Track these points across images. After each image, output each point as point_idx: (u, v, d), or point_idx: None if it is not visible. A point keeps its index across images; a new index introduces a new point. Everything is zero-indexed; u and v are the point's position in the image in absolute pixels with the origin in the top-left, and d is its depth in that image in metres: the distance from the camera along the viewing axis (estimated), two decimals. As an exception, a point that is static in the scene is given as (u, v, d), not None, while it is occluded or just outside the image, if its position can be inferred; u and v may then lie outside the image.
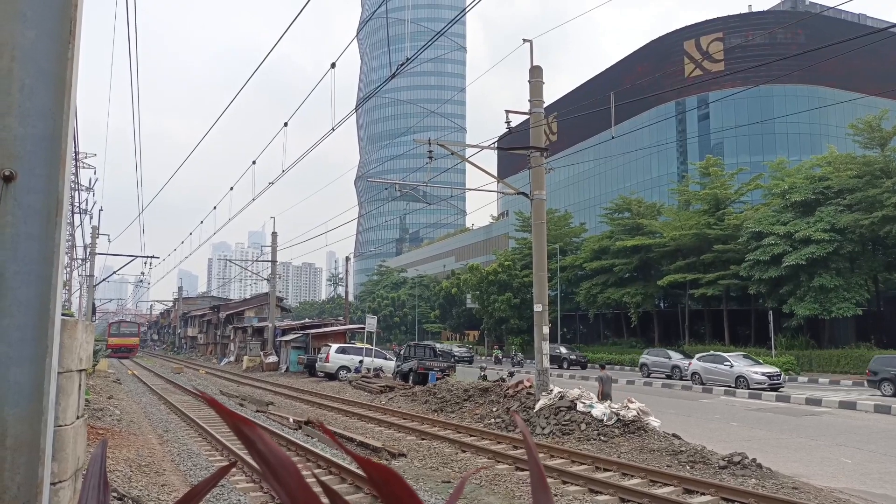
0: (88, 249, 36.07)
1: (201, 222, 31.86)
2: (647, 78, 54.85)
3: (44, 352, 1.45)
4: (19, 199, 1.48)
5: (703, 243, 41.34)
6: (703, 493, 8.72)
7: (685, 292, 43.70)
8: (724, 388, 25.77)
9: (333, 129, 14.10)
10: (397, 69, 11.24)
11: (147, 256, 34.61)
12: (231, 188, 24.90)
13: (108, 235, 41.83)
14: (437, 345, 47.76)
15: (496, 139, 22.15)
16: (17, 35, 1.52)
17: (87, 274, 36.89)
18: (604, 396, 14.91)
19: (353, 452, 0.63)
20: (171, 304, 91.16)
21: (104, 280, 42.85)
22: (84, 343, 3.39)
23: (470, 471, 10.39)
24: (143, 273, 43.76)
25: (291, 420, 15.72)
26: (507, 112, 15.90)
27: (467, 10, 10.23)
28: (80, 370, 3.29)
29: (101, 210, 37.89)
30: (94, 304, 41.40)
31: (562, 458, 11.11)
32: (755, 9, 62.80)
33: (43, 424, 1.42)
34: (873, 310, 37.64)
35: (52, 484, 2.35)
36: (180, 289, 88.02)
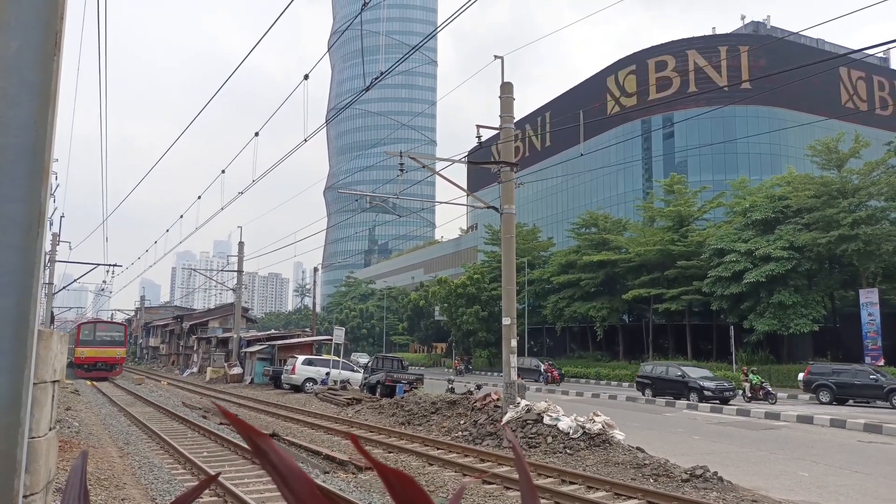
0: (48, 256, 35.12)
1: (167, 231, 31.30)
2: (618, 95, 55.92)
3: (22, 362, 1.44)
4: (0, 208, 1.47)
5: (667, 259, 42.12)
6: (666, 506, 8.85)
7: (649, 307, 44.41)
8: (686, 403, 26.18)
9: (306, 141, 14.06)
10: (372, 82, 11.29)
11: (109, 265, 33.81)
12: (199, 197, 24.55)
13: (70, 243, 40.30)
14: (706, 374, 27.97)
15: (467, 153, 22.33)
16: (1, 45, 1.52)
17: (47, 282, 35.88)
18: None
19: (372, 458, 0.67)
20: (132, 313, 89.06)
21: (64, 288, 41.71)
22: (58, 354, 3.32)
23: (466, 480, 10.45)
24: (104, 281, 42.66)
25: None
26: (478, 127, 16.06)
27: (440, 28, 10.35)
28: (54, 381, 3.22)
29: (62, 217, 36.90)
30: (52, 313, 40.24)
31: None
32: (719, 31, 64.62)
33: (20, 436, 1.42)
34: (829, 326, 38.73)
35: (25, 496, 2.31)
36: (143, 298, 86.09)
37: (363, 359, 57.18)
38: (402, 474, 0.65)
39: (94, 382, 34.36)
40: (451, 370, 51.15)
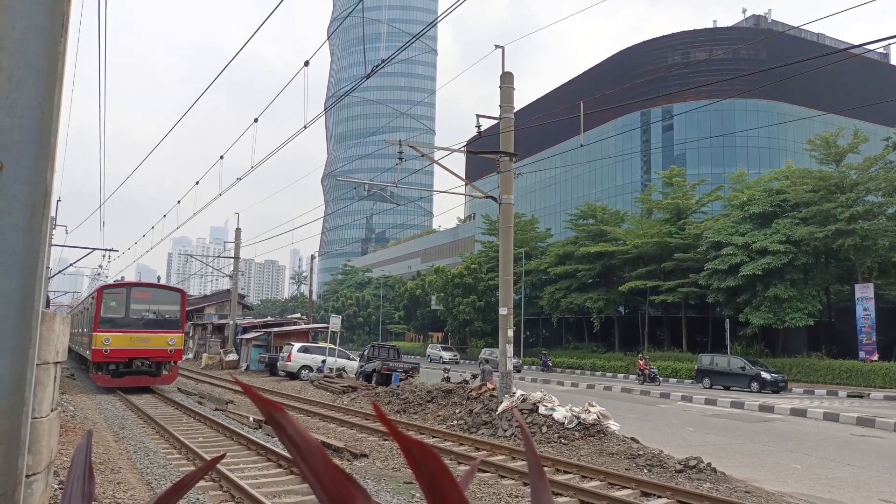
0: (48, 239, 35.01)
1: (164, 216, 31.23)
2: (616, 88, 55.68)
3: (26, 343, 1.45)
4: (5, 189, 1.48)
5: (664, 251, 42.19)
6: (659, 496, 8.92)
7: (645, 299, 44.53)
8: (681, 394, 26.30)
9: (305, 128, 14.01)
10: (372, 70, 11.24)
11: (106, 249, 33.72)
12: (197, 182, 24.50)
13: (66, 227, 39.39)
14: None
15: (465, 142, 22.28)
16: (6, 26, 1.52)
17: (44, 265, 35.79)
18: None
19: (397, 430, 0.68)
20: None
21: (59, 272, 41.67)
22: (61, 336, 3.33)
23: (478, 458, 10.49)
24: (100, 266, 42.46)
25: (252, 419, 15.55)
26: (478, 116, 16.02)
27: (442, 17, 10.30)
28: (56, 362, 3.24)
29: (58, 200, 36.78)
30: (48, 297, 40.21)
31: (523, 460, 11.23)
32: (720, 24, 64.40)
33: (24, 416, 1.42)
34: (824, 321, 38.90)
35: (27, 476, 2.32)
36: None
37: (447, 352, 54.23)
38: (423, 445, 0.67)
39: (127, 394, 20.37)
40: (638, 376, 34.72)
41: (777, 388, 28.93)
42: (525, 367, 47.74)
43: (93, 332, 20.86)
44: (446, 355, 52.16)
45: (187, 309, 48.75)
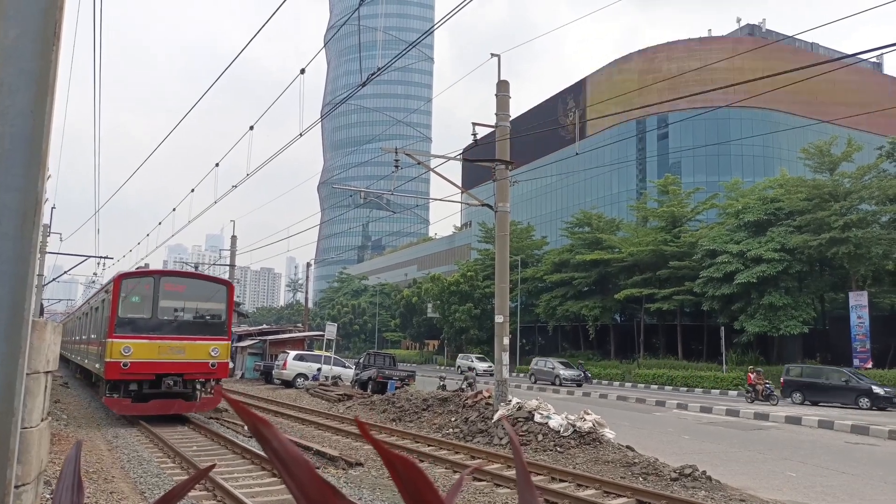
0: (38, 247, 34.85)
1: (160, 224, 31.13)
2: (611, 96, 55.99)
3: (16, 351, 1.43)
4: (-4, 197, 1.47)
5: (659, 259, 42.28)
6: (655, 505, 8.89)
7: (641, 307, 44.59)
8: (676, 402, 26.30)
9: (301, 135, 14.02)
10: (368, 78, 11.27)
11: (101, 257, 33.58)
12: (192, 190, 24.45)
13: (60, 234, 38.62)
14: None
15: (462, 150, 22.37)
16: (-1, 33, 1.52)
17: (37, 273, 35.64)
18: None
19: (379, 444, 0.68)
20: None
21: (54, 280, 41.46)
22: (52, 344, 3.31)
23: (468, 469, 10.43)
24: (95, 274, 42.26)
25: (246, 427, 15.46)
26: (474, 124, 16.06)
27: (437, 25, 10.34)
28: (47, 372, 3.22)
29: (53, 207, 36.66)
30: (42, 305, 40.03)
31: (518, 468, 11.18)
32: (715, 33, 64.81)
33: (13, 426, 1.41)
34: (819, 328, 38.99)
35: (16, 487, 2.30)
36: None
37: (482, 362, 47.64)
38: (406, 459, 0.66)
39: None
40: (747, 392, 29.03)
41: (892, 404, 25.37)
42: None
43: (107, 339, 15.16)
44: (481, 366, 46.16)
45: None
